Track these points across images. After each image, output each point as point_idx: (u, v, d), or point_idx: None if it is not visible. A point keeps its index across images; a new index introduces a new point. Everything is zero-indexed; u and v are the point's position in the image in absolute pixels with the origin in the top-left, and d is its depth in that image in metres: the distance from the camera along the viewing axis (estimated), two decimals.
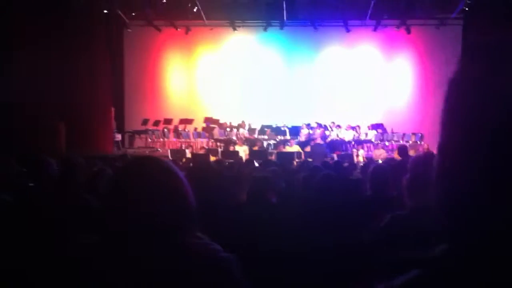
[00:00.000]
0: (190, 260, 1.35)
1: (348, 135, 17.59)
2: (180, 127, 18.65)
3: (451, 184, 0.61)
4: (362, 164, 10.42)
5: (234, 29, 19.54)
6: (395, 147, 16.53)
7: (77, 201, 2.77)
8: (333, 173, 4.23)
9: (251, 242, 2.96)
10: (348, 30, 19.28)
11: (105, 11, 16.85)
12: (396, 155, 14.50)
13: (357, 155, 15.52)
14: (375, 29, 19.30)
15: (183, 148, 16.35)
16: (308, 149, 14.86)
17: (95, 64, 15.81)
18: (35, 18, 13.01)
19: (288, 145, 15.77)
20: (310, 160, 11.87)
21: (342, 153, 15.44)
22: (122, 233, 1.36)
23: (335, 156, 14.53)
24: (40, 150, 8.31)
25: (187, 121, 18.74)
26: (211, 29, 19.66)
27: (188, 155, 14.49)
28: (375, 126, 17.85)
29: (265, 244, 2.98)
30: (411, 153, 15.32)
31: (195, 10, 17.76)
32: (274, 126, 17.98)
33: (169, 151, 15.76)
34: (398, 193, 2.86)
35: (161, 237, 1.35)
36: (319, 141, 16.07)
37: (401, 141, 16.70)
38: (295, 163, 12.28)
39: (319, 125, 18.00)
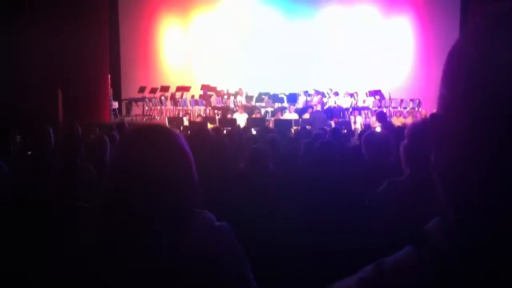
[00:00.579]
0: (190, 234, 1.34)
1: (346, 102, 17.55)
2: (177, 95, 18.56)
3: (448, 150, 0.60)
4: (359, 131, 10.45)
5: None
6: (393, 114, 16.54)
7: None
8: (332, 140, 4.23)
9: (250, 212, 2.98)
10: None
11: None
12: (394, 122, 14.56)
13: (355, 122, 15.52)
14: None
15: (181, 116, 16.31)
16: (306, 116, 14.83)
17: (90, 31, 15.59)
18: None
19: (286, 112, 15.74)
20: (308, 127, 11.87)
21: (340, 120, 15.43)
22: (126, 208, 1.31)
23: (332, 123, 14.53)
24: (38, 116, 8.29)
25: (184, 89, 18.64)
26: None
27: (186, 123, 14.47)
28: (372, 93, 17.79)
29: (265, 214, 3.00)
30: (409, 119, 15.37)
31: None
32: (271, 93, 17.91)
33: (166, 119, 15.73)
34: (395, 159, 2.86)
35: (167, 214, 1.31)
36: (318, 108, 16.02)
37: (399, 108, 16.68)
38: (292, 130, 12.30)
39: (317, 92, 17.92)
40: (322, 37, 19.96)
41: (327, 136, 6.34)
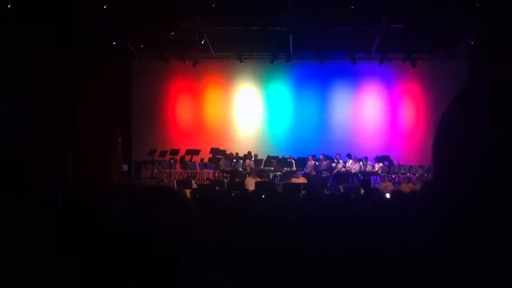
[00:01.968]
0: None
1: (355, 167, 17.56)
2: (187, 158, 18.68)
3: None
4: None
5: (241, 61, 19.77)
6: (402, 180, 16.49)
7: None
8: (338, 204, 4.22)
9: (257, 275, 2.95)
10: (354, 63, 19.48)
11: (114, 43, 17.10)
12: (403, 188, 14.49)
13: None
14: (381, 62, 19.48)
15: (189, 179, 16.36)
16: (302, 180, 14.85)
17: (102, 94, 15.95)
18: (43, 50, 13.23)
19: (295, 176, 15.76)
20: (303, 192, 11.94)
21: (349, 185, 15.40)
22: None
23: (341, 188, 14.49)
24: (49, 182, 8.35)
25: (193, 152, 18.77)
26: (218, 61, 19.92)
27: (194, 186, 14.50)
28: (381, 159, 17.81)
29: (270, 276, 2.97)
30: (417, 186, 15.28)
31: (202, 42, 18.02)
32: (280, 157, 17.99)
33: (175, 181, 15.78)
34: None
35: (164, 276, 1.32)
36: (325, 173, 16.06)
37: (408, 174, 16.64)
38: (301, 194, 12.27)
39: (326, 157, 17.99)
40: (330, 105, 20.26)
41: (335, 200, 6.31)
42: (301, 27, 16.70)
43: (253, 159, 18.11)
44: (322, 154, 18.12)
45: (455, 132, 0.63)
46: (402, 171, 17.18)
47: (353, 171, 17.37)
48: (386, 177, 16.39)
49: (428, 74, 19.27)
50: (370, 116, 20.11)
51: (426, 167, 17.00)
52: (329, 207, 3.75)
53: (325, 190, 13.83)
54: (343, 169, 17.53)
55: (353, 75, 20.08)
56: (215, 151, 18.81)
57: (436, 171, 0.67)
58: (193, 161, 18.41)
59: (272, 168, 17.43)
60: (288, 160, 17.66)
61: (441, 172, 0.66)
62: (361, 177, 16.22)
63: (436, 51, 18.62)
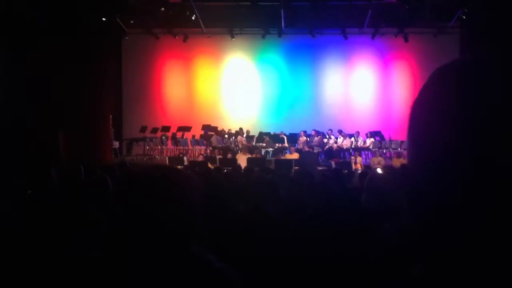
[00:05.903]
0: (191, 272, 1.36)
1: (346, 143, 17.62)
2: (178, 135, 18.65)
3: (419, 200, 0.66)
4: (360, 172, 10.43)
5: (232, 37, 19.62)
6: (393, 155, 16.58)
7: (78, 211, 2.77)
8: (331, 181, 4.24)
9: (249, 254, 2.96)
10: (346, 38, 19.39)
11: (103, 19, 16.88)
12: (394, 162, 14.58)
13: (355, 163, 15.54)
14: (372, 37, 19.40)
15: (181, 155, 16.36)
16: (295, 156, 14.88)
17: (93, 72, 15.82)
18: (31, 28, 13.06)
19: (287, 152, 15.79)
20: (296, 168, 12.00)
21: (340, 160, 15.47)
22: (127, 240, 1.36)
23: (333, 164, 14.56)
24: (41, 159, 8.33)
25: (185, 129, 18.74)
26: (209, 37, 19.74)
27: (186, 162, 14.49)
28: (373, 134, 17.88)
29: (263, 256, 2.98)
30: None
31: (193, 18, 17.83)
32: (272, 133, 18.00)
33: (167, 158, 15.77)
34: (396, 203, 2.86)
35: (166, 246, 1.36)
36: (316, 149, 16.11)
37: (399, 149, 16.72)
38: (293, 170, 12.30)
39: (317, 133, 18.02)
40: (322, 80, 20.21)
41: (328, 176, 6.35)
42: (293, 2, 16.55)
43: (244, 135, 18.11)
44: (313, 130, 18.14)
45: (432, 112, 0.63)
46: (393, 146, 17.26)
47: (344, 147, 17.43)
48: (377, 152, 16.46)
49: (420, 49, 19.23)
50: (361, 92, 20.10)
51: None
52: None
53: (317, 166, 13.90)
54: (335, 144, 17.58)
55: (345, 50, 20.00)
56: (206, 127, 18.79)
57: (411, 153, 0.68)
58: (184, 137, 18.39)
59: (264, 144, 17.44)
60: (280, 136, 17.68)
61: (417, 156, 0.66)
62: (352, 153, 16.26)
63: (428, 26, 18.54)
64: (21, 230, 2.46)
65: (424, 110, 0.65)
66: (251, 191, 3.75)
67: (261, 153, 16.16)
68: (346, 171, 10.88)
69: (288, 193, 4.61)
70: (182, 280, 1.35)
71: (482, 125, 0.57)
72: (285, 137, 17.57)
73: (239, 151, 16.12)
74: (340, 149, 17.23)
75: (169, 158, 15.73)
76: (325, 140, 17.85)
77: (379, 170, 7.12)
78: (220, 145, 17.34)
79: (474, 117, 0.57)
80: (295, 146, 16.47)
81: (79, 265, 1.47)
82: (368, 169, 12.34)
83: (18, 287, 2.16)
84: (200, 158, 15.15)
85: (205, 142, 17.82)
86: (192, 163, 13.91)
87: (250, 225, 3.33)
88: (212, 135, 18.17)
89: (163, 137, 18.44)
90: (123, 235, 1.38)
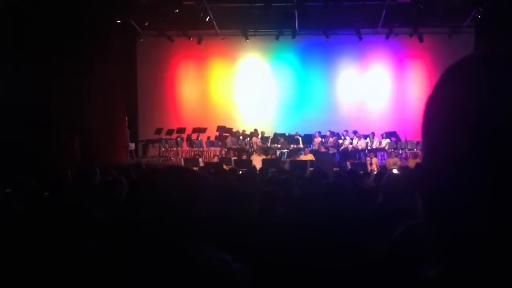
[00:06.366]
0: (198, 270, 1.36)
1: (361, 144, 17.53)
2: (193, 136, 18.70)
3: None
4: (375, 173, 10.39)
5: (246, 38, 19.63)
6: (409, 155, 16.45)
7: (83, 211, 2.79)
8: (346, 181, 4.21)
9: (260, 254, 2.96)
10: (360, 39, 19.30)
11: (118, 21, 16.99)
12: (410, 163, 14.47)
13: (371, 164, 15.44)
14: (387, 37, 19.29)
15: (196, 157, 16.41)
16: (310, 157, 14.84)
17: (108, 74, 15.93)
18: (47, 30, 13.20)
19: (302, 153, 15.76)
20: (311, 169, 11.97)
21: (356, 161, 15.39)
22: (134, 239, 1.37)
23: (348, 165, 14.49)
24: (55, 162, 8.41)
25: (200, 130, 18.79)
26: (223, 38, 19.78)
27: (201, 164, 14.54)
28: (388, 134, 17.76)
29: (273, 255, 2.97)
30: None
31: (207, 20, 17.88)
32: (287, 134, 17.98)
33: (182, 159, 15.82)
34: (411, 203, 2.83)
35: (170, 244, 1.36)
36: (331, 150, 16.05)
37: (415, 150, 16.59)
38: (308, 171, 12.28)
39: (332, 133, 17.96)
40: (336, 81, 20.15)
41: (343, 176, 6.32)
42: (306, 2, 16.51)
43: (259, 136, 18.11)
44: (328, 130, 18.08)
45: (446, 108, 0.62)
46: (409, 146, 17.11)
47: (360, 147, 17.34)
48: (393, 153, 16.34)
49: (435, 49, 19.05)
50: (376, 92, 20.00)
51: None
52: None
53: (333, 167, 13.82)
54: (350, 145, 17.50)
55: (359, 51, 19.90)
56: (221, 129, 18.82)
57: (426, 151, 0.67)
58: (199, 139, 18.44)
59: (279, 146, 17.43)
60: (295, 137, 17.65)
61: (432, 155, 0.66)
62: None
63: (443, 26, 18.38)
64: (33, 230, 2.48)
65: (438, 106, 0.65)
66: (263, 191, 3.74)
67: (276, 154, 16.16)
68: (361, 172, 10.83)
69: (302, 193, 4.60)
70: (191, 278, 1.34)
71: (497, 120, 0.56)
72: (300, 138, 17.53)
73: (254, 152, 16.15)
74: (356, 150, 17.15)
75: (185, 159, 15.78)
76: (340, 141, 17.78)
77: (395, 171, 7.07)
78: (235, 146, 17.36)
79: (489, 112, 0.57)
80: (310, 147, 16.42)
81: (84, 263, 1.48)
82: (384, 169, 12.28)
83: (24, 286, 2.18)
84: (215, 160, 15.18)
85: (220, 143, 17.86)
86: (207, 165, 13.97)
87: (260, 225, 3.33)
88: (227, 136, 18.20)
89: (178, 138, 18.50)
90: (129, 232, 1.39)
